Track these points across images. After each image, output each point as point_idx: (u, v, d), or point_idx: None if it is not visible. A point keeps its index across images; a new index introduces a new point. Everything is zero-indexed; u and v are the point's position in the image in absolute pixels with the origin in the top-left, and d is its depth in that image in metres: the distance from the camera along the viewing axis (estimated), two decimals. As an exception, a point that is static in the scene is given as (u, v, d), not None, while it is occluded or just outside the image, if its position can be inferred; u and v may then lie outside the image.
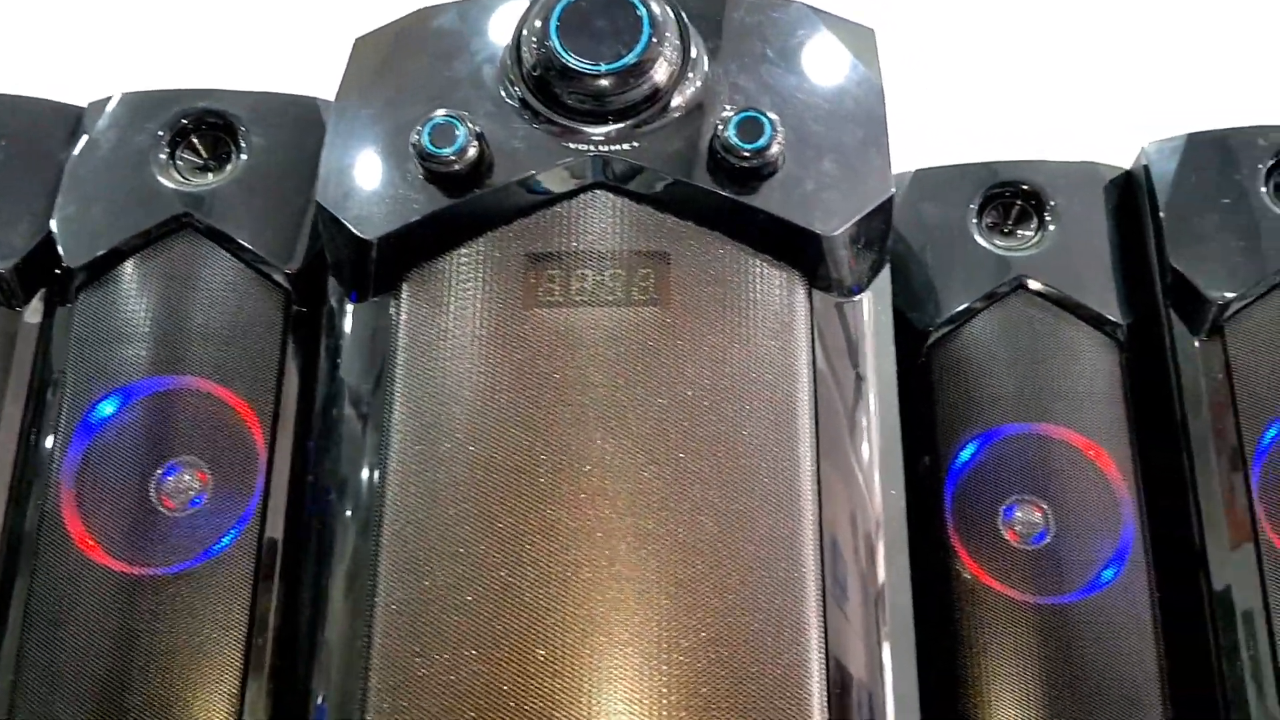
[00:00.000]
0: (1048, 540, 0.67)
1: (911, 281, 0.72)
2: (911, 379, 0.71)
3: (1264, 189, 0.68)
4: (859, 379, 0.56)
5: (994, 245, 0.72)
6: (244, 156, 0.67)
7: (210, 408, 0.62)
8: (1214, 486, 0.65)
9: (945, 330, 0.71)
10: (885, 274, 0.59)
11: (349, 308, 0.57)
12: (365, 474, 0.54)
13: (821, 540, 0.53)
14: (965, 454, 0.69)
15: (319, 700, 0.53)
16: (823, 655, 0.51)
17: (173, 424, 0.61)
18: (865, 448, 0.55)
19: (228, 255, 0.65)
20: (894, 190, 0.57)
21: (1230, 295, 0.66)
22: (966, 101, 0.99)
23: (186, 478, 0.60)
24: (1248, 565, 0.63)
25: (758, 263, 0.55)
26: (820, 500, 0.52)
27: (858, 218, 0.55)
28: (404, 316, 0.55)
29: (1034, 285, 0.71)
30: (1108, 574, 0.66)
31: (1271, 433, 0.64)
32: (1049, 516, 0.68)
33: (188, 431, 0.61)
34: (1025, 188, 0.74)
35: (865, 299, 0.57)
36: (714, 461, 0.51)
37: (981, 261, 0.72)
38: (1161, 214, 0.69)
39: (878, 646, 0.54)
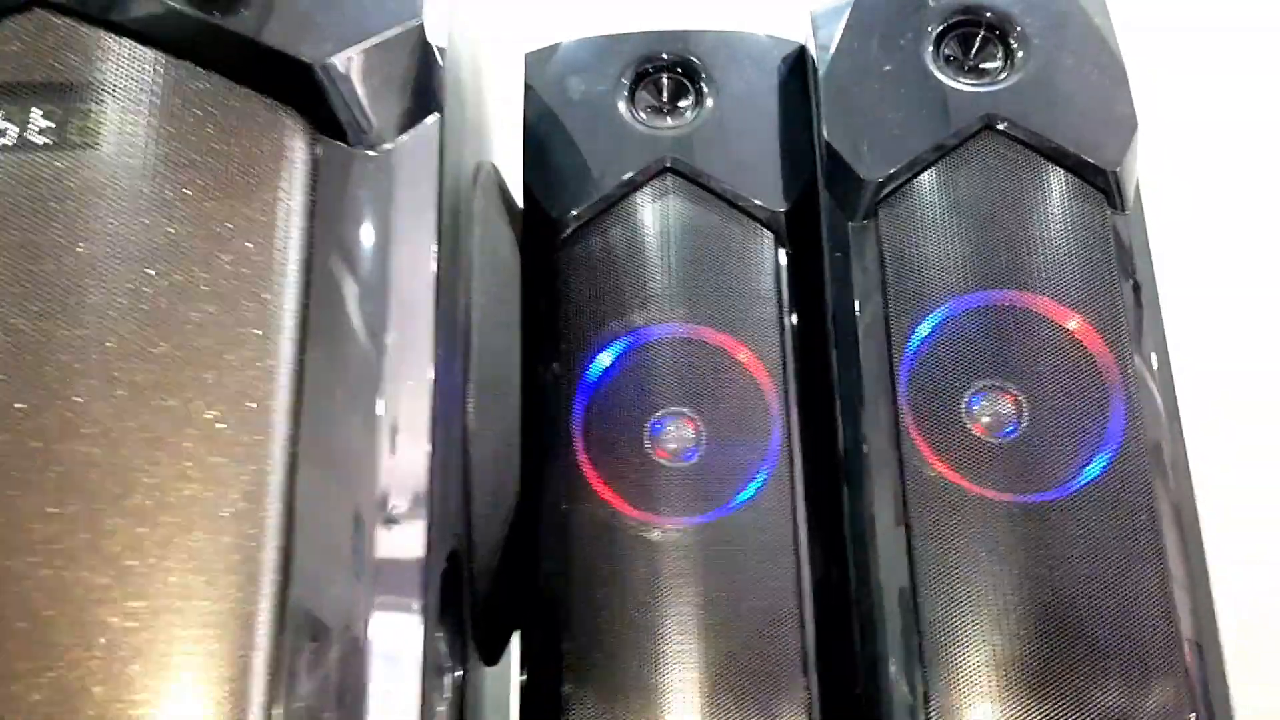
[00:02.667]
0: (699, 457, 0.60)
1: (546, 165, 0.63)
2: (545, 277, 0.63)
3: (929, 56, 0.60)
4: (382, 256, 0.46)
5: (645, 124, 0.64)
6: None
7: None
8: (860, 391, 0.57)
9: (580, 220, 0.62)
10: (431, 125, 0.49)
11: None
12: None
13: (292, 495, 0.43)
14: (603, 360, 0.61)
15: None
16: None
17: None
18: (378, 354, 0.46)
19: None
20: (421, 19, 0.47)
21: (884, 174, 0.58)
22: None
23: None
24: (889, 478, 0.55)
25: (236, 99, 0.45)
26: (298, 429, 0.42)
27: (365, 45, 0.45)
28: None
29: (684, 170, 0.62)
30: (751, 489, 0.59)
31: (922, 330, 0.57)
32: (701, 430, 0.60)
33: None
34: (689, 60, 0.65)
35: (396, 153, 0.48)
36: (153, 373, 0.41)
37: (632, 142, 0.63)
38: (820, 84, 0.61)
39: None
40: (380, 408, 0.44)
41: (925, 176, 0.59)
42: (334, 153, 0.46)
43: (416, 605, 0.43)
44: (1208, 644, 0.54)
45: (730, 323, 0.61)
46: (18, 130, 0.43)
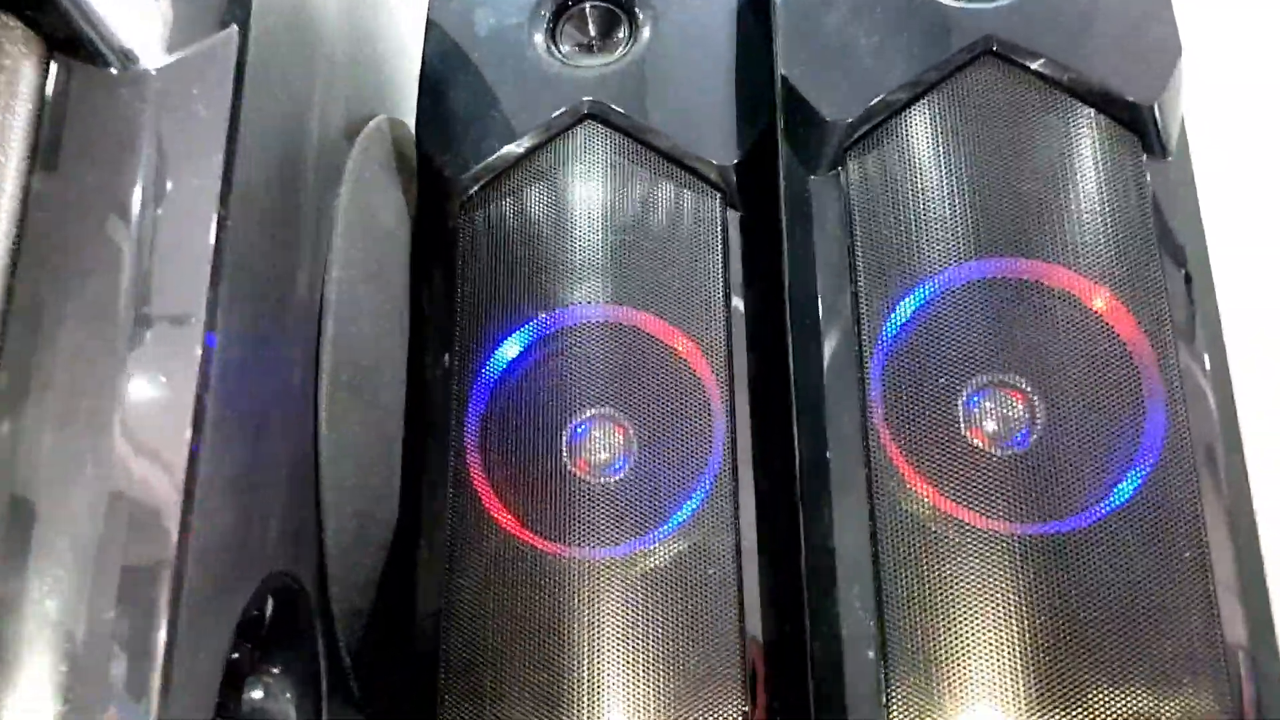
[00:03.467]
0: (627, 471, 0.48)
1: (444, 116, 0.52)
2: (439, 249, 0.51)
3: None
4: (132, 208, 0.35)
5: (565, 61, 0.52)
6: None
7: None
8: (820, 390, 0.45)
9: (483, 181, 0.51)
10: (223, 42, 0.37)
11: None
12: None
13: None
14: (507, 351, 0.49)
15: None
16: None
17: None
18: (112, 331, 0.34)
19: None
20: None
21: (854, 114, 0.46)
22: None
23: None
24: (856, 503, 0.43)
25: None
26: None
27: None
28: None
29: (608, 117, 0.51)
30: (685, 511, 0.47)
31: (902, 312, 0.45)
32: (631, 437, 0.48)
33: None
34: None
35: (163, 75, 0.36)
36: None
37: (547, 84, 0.51)
38: (777, 7, 0.49)
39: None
40: (115, 399, 0.33)
41: (907, 116, 0.46)
42: (83, 76, 0.35)
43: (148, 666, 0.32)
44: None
45: (666, 304, 0.49)
46: None
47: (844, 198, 0.46)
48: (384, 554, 0.48)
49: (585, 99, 0.50)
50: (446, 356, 0.49)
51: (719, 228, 0.50)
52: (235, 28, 0.37)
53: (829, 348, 0.45)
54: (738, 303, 0.49)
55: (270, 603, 0.40)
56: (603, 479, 0.47)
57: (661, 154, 0.50)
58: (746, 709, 0.44)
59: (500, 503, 0.48)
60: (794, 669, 0.44)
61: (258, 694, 0.43)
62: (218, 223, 0.35)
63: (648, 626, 0.45)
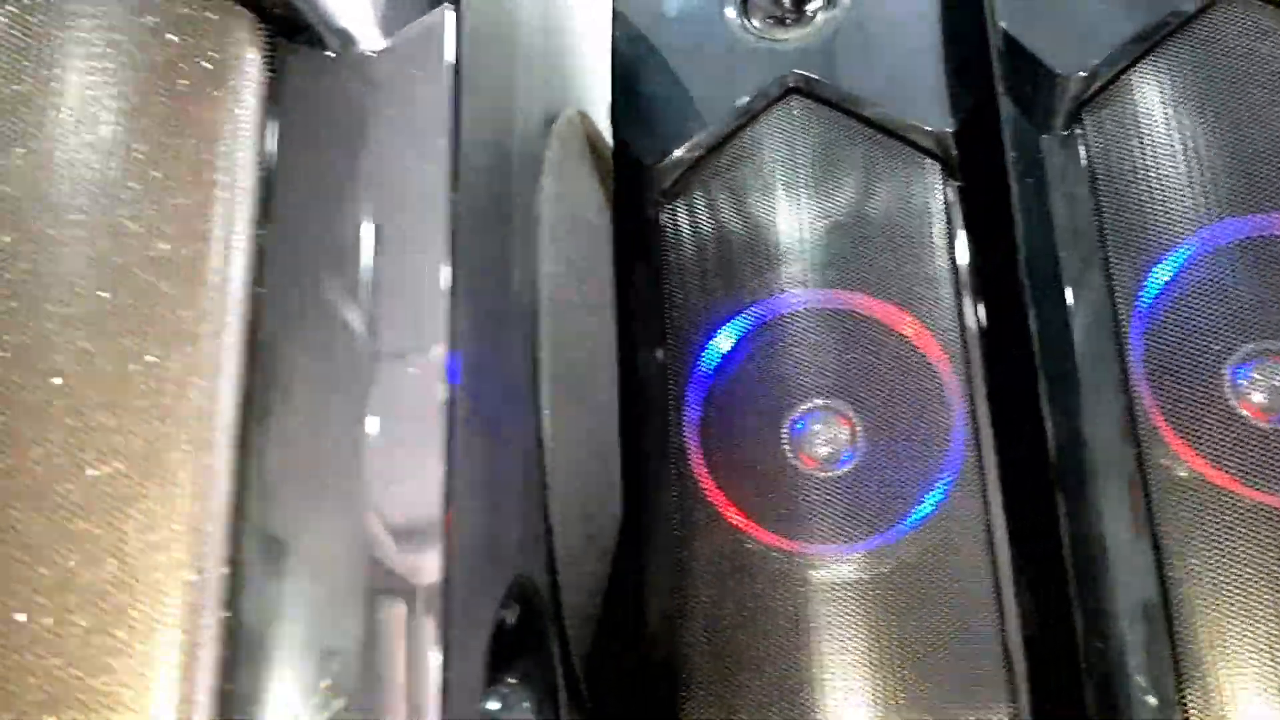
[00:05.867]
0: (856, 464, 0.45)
1: (639, 99, 0.50)
2: (640, 240, 0.49)
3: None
4: (375, 187, 0.33)
5: (757, 35, 0.50)
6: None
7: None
8: (1073, 365, 0.41)
9: (685, 166, 0.49)
10: (437, 20, 0.36)
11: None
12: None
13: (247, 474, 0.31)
14: (721, 343, 0.47)
15: None
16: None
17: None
18: (365, 305, 0.33)
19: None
20: None
21: (1090, 66, 0.43)
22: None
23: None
24: (1120, 485, 0.40)
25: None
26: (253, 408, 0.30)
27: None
28: None
29: (816, 91, 0.48)
30: (929, 503, 0.44)
31: (1160, 275, 0.41)
32: (857, 429, 0.45)
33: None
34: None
35: (384, 58, 0.34)
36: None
37: (741, 60, 0.49)
38: (992, -43, 0.46)
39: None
40: (366, 403, 0.31)
41: (1149, 64, 0.43)
42: (303, 60, 0.34)
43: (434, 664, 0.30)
44: None
45: (888, 285, 0.46)
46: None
47: (1083, 157, 0.43)
48: (609, 555, 0.46)
49: (789, 73, 0.48)
50: (659, 351, 0.47)
51: (941, 199, 0.46)
52: (448, 7, 0.36)
53: (1079, 319, 0.42)
54: (965, 279, 0.46)
55: (514, 608, 0.38)
56: (833, 472, 0.45)
57: (874, 125, 0.47)
58: (1012, 710, 0.41)
59: (728, 500, 0.45)
60: (1059, 667, 0.41)
61: (494, 705, 0.41)
62: (450, 212, 0.33)
63: (899, 626, 0.43)
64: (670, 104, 0.49)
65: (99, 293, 0.30)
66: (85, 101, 0.31)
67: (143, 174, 0.31)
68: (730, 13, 0.50)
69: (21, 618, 0.27)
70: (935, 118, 0.47)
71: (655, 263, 0.48)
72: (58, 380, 0.29)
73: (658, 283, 0.48)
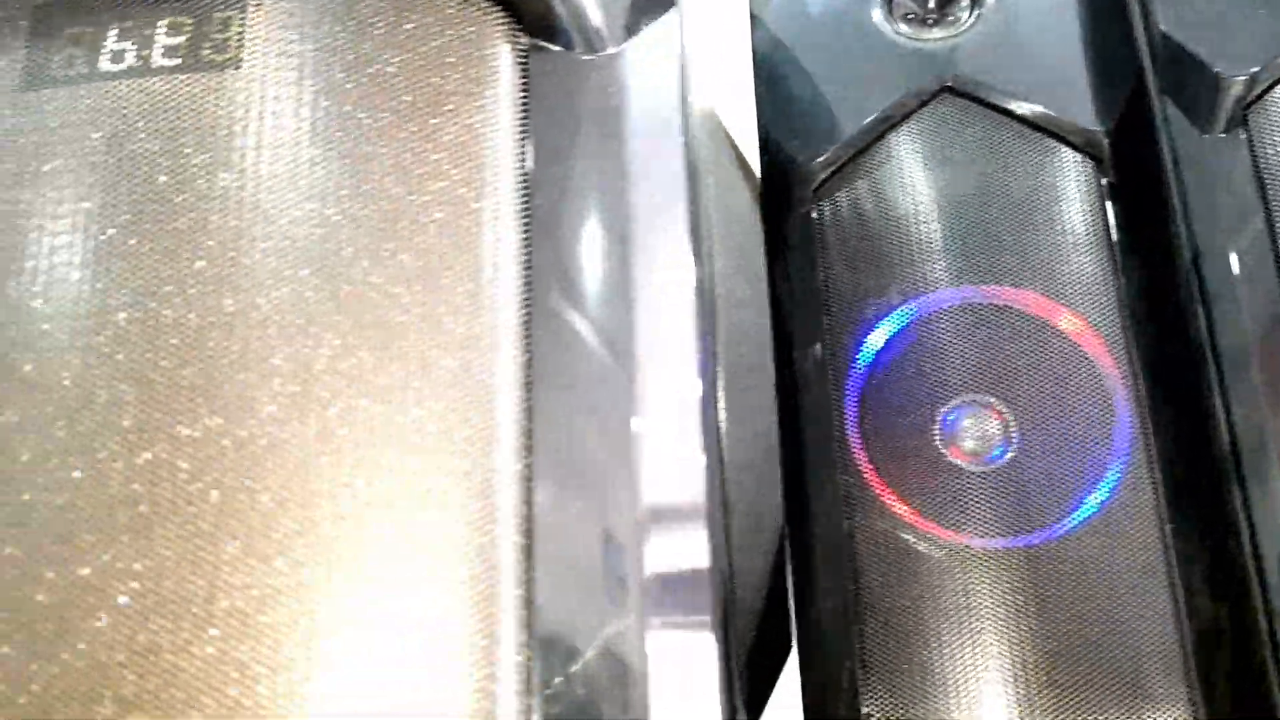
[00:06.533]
0: (1008, 459, 0.46)
1: (787, 98, 0.50)
2: (793, 236, 0.49)
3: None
4: (622, 187, 0.34)
5: (906, 35, 0.50)
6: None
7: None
8: (1247, 357, 0.42)
9: (839, 164, 0.49)
10: (670, 24, 0.37)
11: None
12: None
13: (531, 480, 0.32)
14: (876, 339, 0.47)
15: None
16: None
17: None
18: (630, 305, 0.33)
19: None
20: None
21: (1255, 68, 0.43)
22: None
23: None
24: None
25: None
26: (532, 406, 0.31)
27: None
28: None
29: (970, 90, 0.49)
30: (1096, 498, 0.44)
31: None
32: (1009, 423, 0.46)
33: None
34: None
35: (630, 57, 0.35)
36: (347, 347, 0.30)
37: (891, 59, 0.50)
38: (1147, -41, 0.47)
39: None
40: (636, 399, 0.32)
41: (1313, 64, 0.43)
42: (550, 61, 0.34)
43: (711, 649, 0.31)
44: None
45: (1046, 280, 0.46)
46: (136, 50, 0.32)
47: (1250, 156, 0.43)
48: (775, 550, 0.46)
49: (942, 72, 0.48)
50: (815, 348, 0.48)
51: (1096, 195, 0.47)
52: (675, 10, 0.36)
53: (1252, 314, 0.42)
54: (1122, 274, 0.47)
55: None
56: (989, 466, 0.45)
57: (1028, 124, 0.48)
58: (1186, 710, 0.41)
59: (890, 490, 0.46)
60: (1235, 665, 0.42)
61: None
62: (689, 214, 0.34)
63: (1065, 621, 0.43)
64: (821, 103, 0.49)
65: (370, 310, 0.30)
66: (342, 111, 0.31)
67: (403, 178, 0.31)
68: (876, 14, 0.51)
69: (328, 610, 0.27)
70: (1089, 116, 0.48)
71: (809, 259, 0.48)
72: (334, 410, 0.29)
73: (812, 278, 0.48)
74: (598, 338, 0.32)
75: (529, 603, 0.29)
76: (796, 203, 0.49)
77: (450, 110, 0.32)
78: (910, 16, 0.51)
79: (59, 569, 0.28)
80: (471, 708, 0.27)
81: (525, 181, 0.32)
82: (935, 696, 0.43)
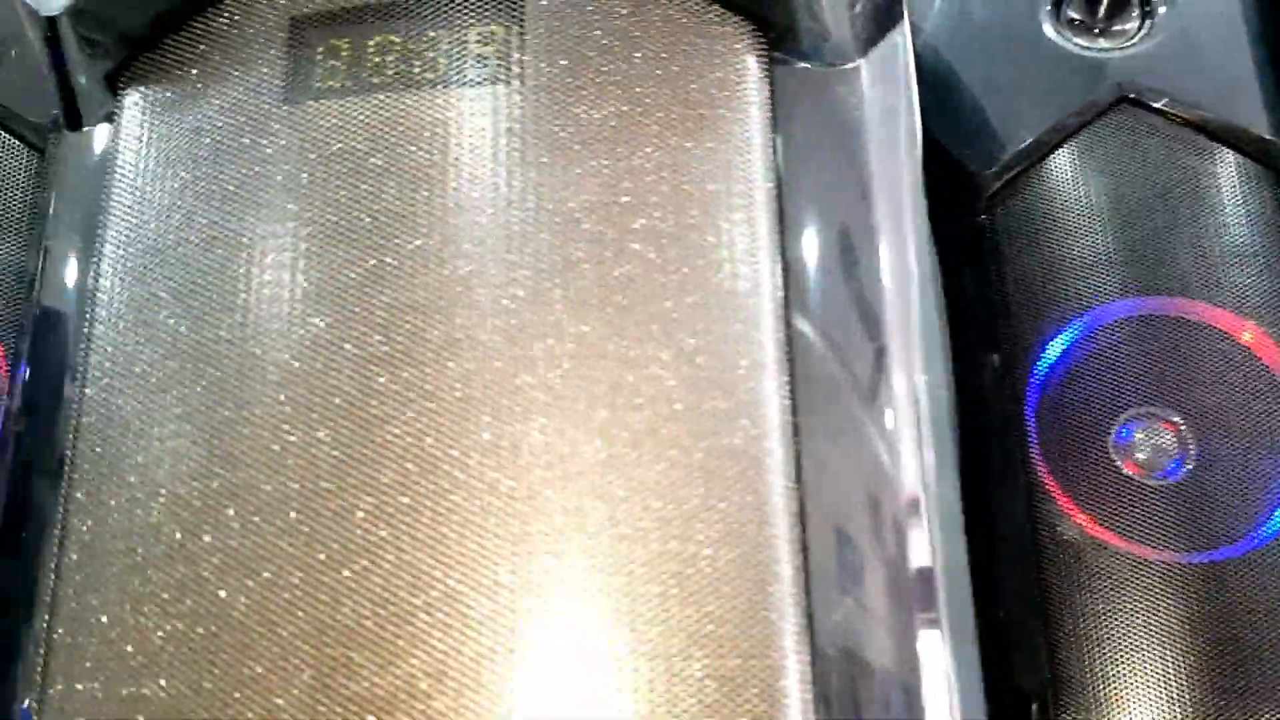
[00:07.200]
0: (1185, 474, 0.45)
1: (956, 107, 0.50)
2: (964, 245, 0.49)
3: None
4: (863, 198, 0.34)
5: (1079, 45, 0.50)
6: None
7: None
8: None
9: (1013, 173, 0.49)
10: (899, 39, 0.36)
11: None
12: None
13: (800, 472, 0.31)
14: (1054, 349, 0.47)
15: None
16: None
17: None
18: (875, 314, 0.33)
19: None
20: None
21: None
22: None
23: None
24: None
25: (677, 10, 0.33)
26: (796, 405, 0.31)
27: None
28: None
29: (1149, 101, 0.48)
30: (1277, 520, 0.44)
31: None
32: (1186, 438, 0.45)
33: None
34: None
35: (865, 71, 0.35)
36: (613, 343, 0.29)
37: (1063, 69, 0.49)
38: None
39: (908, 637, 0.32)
40: (892, 401, 0.32)
41: None
42: (795, 75, 0.34)
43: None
44: None
45: (1224, 292, 0.46)
46: (397, 62, 0.32)
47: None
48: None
49: (1117, 82, 0.48)
50: (993, 356, 0.47)
51: (1275, 207, 0.47)
52: (904, 23, 0.36)
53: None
54: (1308, 289, 0.46)
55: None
56: (1166, 480, 0.45)
57: (1205, 133, 0.47)
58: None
59: (1070, 500, 0.45)
60: None
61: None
62: (923, 228, 0.34)
63: (1259, 631, 0.42)
64: (991, 112, 0.49)
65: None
66: (604, 124, 0.31)
67: (657, 192, 0.31)
68: (1047, 25, 0.50)
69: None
70: (1262, 125, 0.47)
71: (984, 267, 0.48)
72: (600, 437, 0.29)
73: (986, 288, 0.48)
74: (849, 348, 0.32)
75: (807, 610, 0.28)
76: (970, 211, 0.49)
77: (705, 121, 0.31)
78: (1078, 26, 0.51)
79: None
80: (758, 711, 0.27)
81: (776, 193, 0.32)
82: (1118, 705, 0.43)
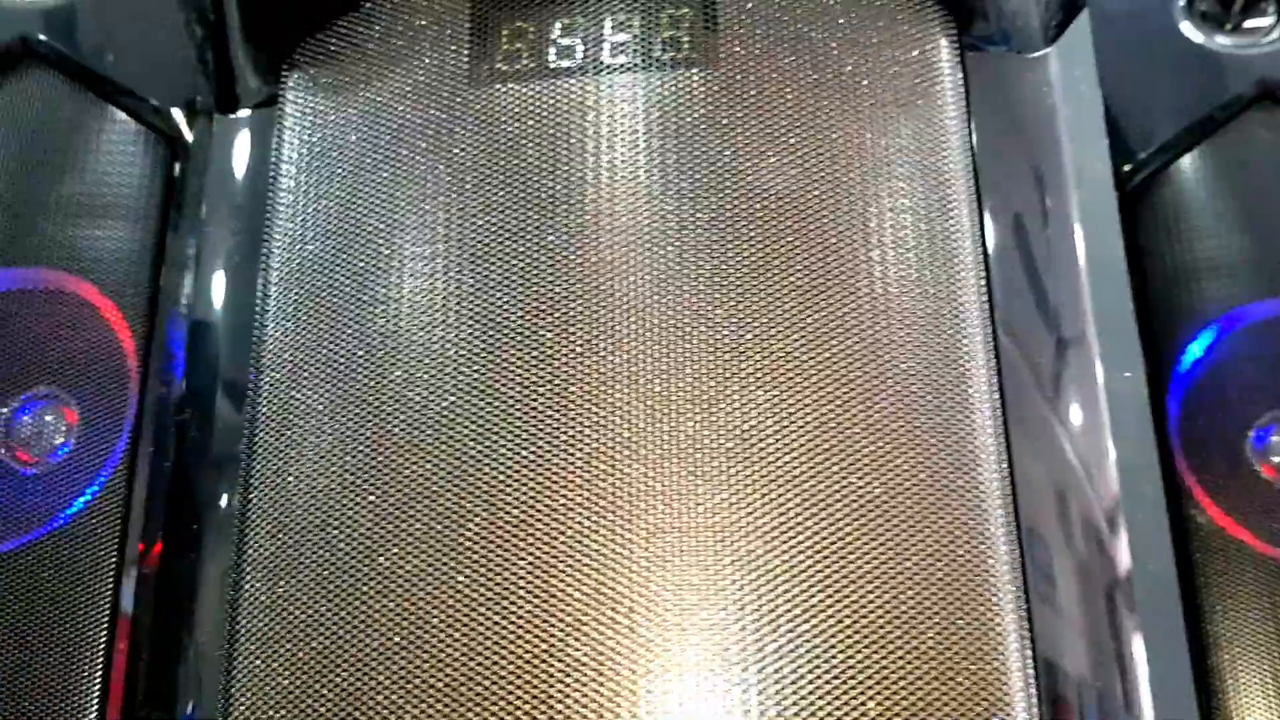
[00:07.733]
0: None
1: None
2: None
3: None
4: (1059, 186, 0.33)
5: (1215, 42, 0.49)
6: None
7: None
8: None
9: (1151, 169, 0.48)
10: (1083, 26, 0.36)
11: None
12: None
13: (1012, 472, 0.31)
14: (1194, 350, 0.46)
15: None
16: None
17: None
18: (1070, 305, 0.32)
19: None
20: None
21: None
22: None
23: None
24: None
25: None
26: (1004, 400, 0.30)
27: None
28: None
29: (1281, 95, 0.47)
30: None
31: None
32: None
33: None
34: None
35: (1055, 58, 0.34)
36: (817, 334, 0.29)
37: (1199, 67, 0.48)
38: None
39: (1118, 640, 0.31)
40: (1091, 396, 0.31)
41: None
42: (987, 62, 0.33)
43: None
44: None
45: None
46: (584, 46, 0.31)
47: None
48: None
49: (1259, 78, 0.47)
50: (1138, 354, 0.46)
51: None
52: (1086, 10, 0.35)
53: None
54: None
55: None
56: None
57: (1348, 133, 0.46)
58: None
59: (1210, 501, 0.44)
60: None
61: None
62: (1113, 220, 0.33)
63: None
64: (1128, 108, 0.48)
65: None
66: (802, 109, 0.30)
67: (864, 176, 0.30)
68: (1185, 23, 0.49)
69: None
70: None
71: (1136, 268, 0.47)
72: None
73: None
74: (1052, 339, 0.31)
75: (1028, 612, 0.27)
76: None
77: (904, 107, 0.31)
78: (1211, 22, 0.49)
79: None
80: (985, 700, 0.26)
81: (975, 180, 0.31)
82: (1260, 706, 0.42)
